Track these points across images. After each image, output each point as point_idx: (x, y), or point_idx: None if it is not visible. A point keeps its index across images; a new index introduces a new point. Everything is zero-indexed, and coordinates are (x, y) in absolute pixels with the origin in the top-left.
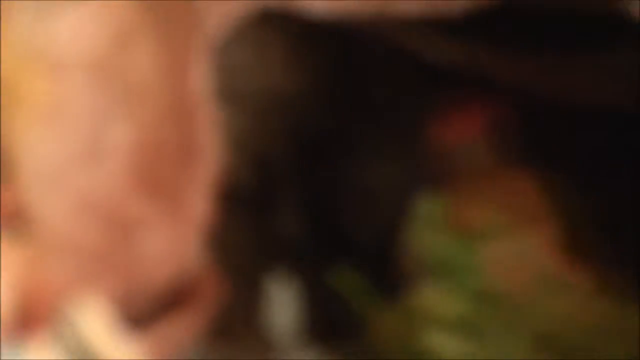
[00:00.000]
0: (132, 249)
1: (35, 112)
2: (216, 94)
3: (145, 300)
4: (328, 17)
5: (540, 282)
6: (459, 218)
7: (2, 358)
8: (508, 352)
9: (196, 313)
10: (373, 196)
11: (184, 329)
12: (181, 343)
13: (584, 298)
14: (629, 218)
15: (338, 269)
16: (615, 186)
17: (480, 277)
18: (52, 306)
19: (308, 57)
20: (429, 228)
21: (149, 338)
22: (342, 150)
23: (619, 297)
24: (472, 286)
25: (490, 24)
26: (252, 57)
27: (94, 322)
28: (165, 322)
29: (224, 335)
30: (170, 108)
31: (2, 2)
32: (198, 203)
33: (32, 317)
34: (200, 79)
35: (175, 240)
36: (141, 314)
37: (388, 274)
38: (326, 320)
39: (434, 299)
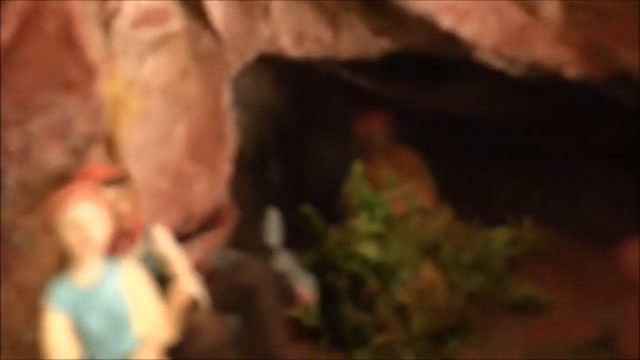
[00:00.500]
0: (186, 194)
1: (132, 117)
2: (234, 104)
3: (192, 224)
4: (298, 59)
5: (420, 212)
6: (372, 175)
7: (104, 268)
8: (403, 254)
9: (220, 232)
10: (325, 163)
11: (213, 242)
12: (212, 250)
13: (446, 222)
14: (473, 173)
15: (305, 206)
16: (460, 155)
17: (385, 210)
18: (139, 230)
19: (285, 82)
20: (357, 182)
21: (194, 248)
22: (305, 137)
23: (468, 222)
24: (381, 215)
25: (392, 64)
26: (253, 83)
27: (163, 239)
28: (202, 237)
29: (237, 245)
30: (209, 113)
31: (112, 51)
32: (224, 166)
33: (127, 237)
34: (226, 96)
35: (212, 188)
36: (189, 232)
37: (335, 208)
38: (298, 236)
39: (360, 222)
